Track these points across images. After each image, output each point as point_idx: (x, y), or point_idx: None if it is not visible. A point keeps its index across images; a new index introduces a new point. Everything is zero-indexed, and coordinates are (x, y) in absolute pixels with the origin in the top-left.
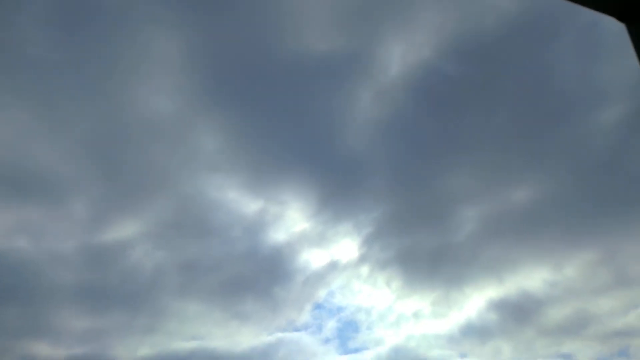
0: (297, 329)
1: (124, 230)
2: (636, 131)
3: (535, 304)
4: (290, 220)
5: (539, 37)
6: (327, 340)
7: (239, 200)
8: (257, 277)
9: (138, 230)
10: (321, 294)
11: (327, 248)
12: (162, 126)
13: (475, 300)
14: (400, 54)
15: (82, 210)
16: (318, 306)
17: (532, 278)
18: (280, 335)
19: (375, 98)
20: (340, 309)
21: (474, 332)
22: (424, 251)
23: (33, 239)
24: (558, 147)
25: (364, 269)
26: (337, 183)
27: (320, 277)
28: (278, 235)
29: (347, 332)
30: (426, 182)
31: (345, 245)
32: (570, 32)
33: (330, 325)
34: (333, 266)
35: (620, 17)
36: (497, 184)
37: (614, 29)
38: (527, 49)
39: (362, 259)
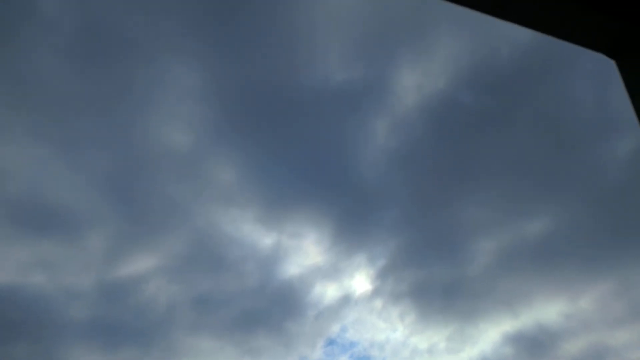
0: None
1: (139, 264)
2: None
3: (551, 338)
4: (304, 253)
5: (554, 66)
6: None
7: (253, 234)
8: (270, 311)
9: (152, 265)
10: (334, 328)
11: (340, 281)
12: (176, 159)
13: (490, 335)
14: (416, 84)
15: (98, 245)
16: (331, 341)
17: (547, 311)
18: None
19: (391, 128)
20: (353, 344)
21: None
22: (438, 284)
23: (49, 275)
24: (573, 178)
25: (378, 303)
26: (352, 215)
27: (333, 311)
28: (291, 268)
29: None
30: (441, 213)
31: (359, 279)
32: (586, 61)
33: None
34: (346, 300)
35: (609, 54)
36: (511, 215)
37: None
38: (541, 78)
39: (376, 293)
